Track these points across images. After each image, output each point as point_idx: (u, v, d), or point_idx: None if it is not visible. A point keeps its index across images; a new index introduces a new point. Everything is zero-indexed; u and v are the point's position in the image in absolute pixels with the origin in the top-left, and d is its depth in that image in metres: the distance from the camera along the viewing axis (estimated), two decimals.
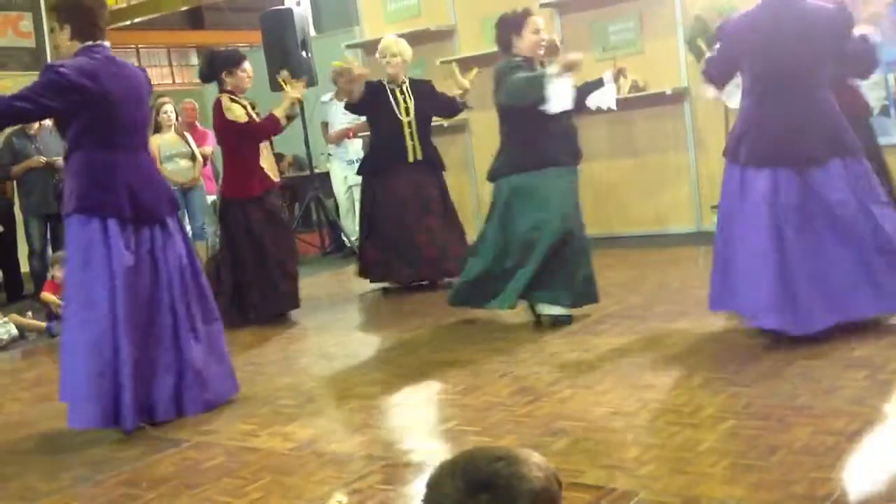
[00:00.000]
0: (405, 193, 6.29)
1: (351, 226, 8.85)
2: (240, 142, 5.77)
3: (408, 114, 6.31)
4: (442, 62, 8.24)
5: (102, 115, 3.75)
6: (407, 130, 6.36)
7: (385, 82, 6.35)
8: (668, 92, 7.22)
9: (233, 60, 5.81)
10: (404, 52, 6.38)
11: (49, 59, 11.05)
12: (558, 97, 4.49)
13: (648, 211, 7.67)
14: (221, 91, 5.82)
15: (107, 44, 3.90)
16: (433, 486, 1.44)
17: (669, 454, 2.84)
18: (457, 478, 1.41)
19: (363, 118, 8.49)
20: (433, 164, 6.48)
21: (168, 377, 3.84)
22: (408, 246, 6.24)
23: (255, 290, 5.77)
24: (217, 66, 5.81)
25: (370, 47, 8.74)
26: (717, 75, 4.24)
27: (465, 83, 6.27)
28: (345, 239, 8.80)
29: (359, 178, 8.75)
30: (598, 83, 5.06)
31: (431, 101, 6.43)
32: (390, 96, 6.25)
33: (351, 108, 6.48)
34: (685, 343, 4.13)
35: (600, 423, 3.19)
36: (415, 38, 8.19)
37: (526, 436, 3.15)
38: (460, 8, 8.35)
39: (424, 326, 5.20)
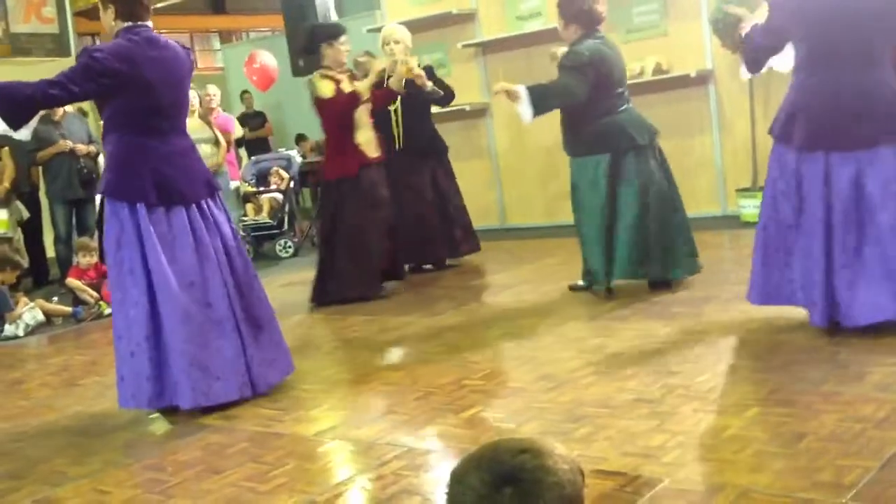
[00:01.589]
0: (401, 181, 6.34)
1: None
2: (330, 120, 5.79)
3: (394, 101, 6.33)
4: (464, 45, 8.21)
5: (136, 98, 3.72)
6: (393, 118, 6.44)
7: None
8: (693, 74, 7.14)
9: (332, 33, 5.82)
10: (406, 38, 6.34)
11: (72, 45, 11.14)
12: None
13: None
14: (319, 66, 5.84)
15: (149, 24, 3.85)
16: (457, 478, 1.43)
17: (694, 441, 2.83)
18: (481, 470, 1.40)
19: None
20: (424, 150, 6.49)
21: (235, 358, 3.80)
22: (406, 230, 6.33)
23: (340, 270, 5.81)
24: (318, 39, 5.81)
25: None
26: (762, 49, 3.94)
27: (406, 70, 5.85)
28: None
29: None
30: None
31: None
32: (384, 84, 6.16)
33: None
34: (710, 329, 4.10)
35: (624, 410, 3.18)
36: (436, 22, 8.19)
37: (549, 422, 3.15)
38: None
39: (447, 311, 5.20)
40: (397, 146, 6.41)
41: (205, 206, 3.90)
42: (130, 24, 3.79)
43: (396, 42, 6.25)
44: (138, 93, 3.71)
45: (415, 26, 8.25)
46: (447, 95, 6.39)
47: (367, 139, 5.86)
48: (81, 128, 8.02)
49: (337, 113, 5.71)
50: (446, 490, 1.44)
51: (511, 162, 8.37)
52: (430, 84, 6.07)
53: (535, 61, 7.90)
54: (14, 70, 9.27)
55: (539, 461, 1.40)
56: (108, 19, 3.83)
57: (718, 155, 7.35)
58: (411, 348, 4.54)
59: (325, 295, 5.84)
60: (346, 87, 5.73)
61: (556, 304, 5.01)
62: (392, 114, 6.39)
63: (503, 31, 8.10)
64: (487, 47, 8.27)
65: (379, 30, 8.77)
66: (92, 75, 3.64)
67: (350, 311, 5.63)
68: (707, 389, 3.29)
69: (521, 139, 8.15)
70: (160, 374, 3.72)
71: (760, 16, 4.05)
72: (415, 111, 6.41)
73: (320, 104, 5.73)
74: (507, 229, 8.27)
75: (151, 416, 3.83)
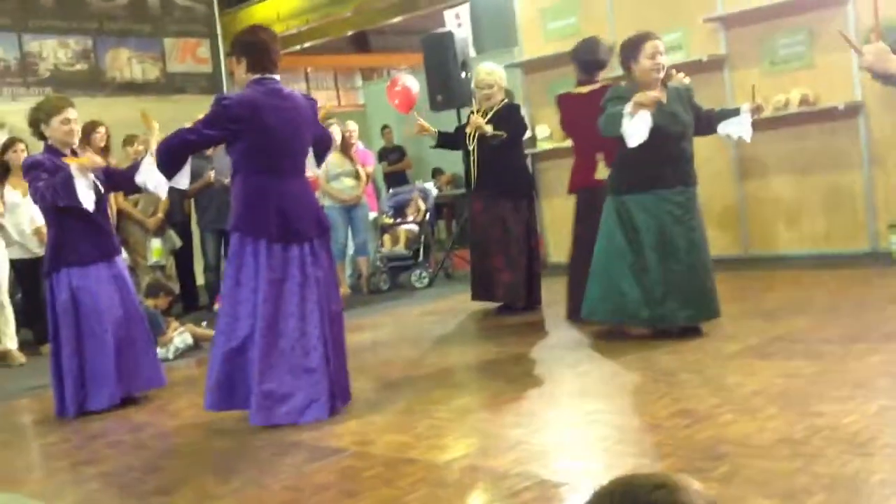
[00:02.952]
0: (473, 218, 6.63)
1: None
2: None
3: (472, 140, 6.47)
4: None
5: (258, 142, 4.13)
6: (471, 157, 6.59)
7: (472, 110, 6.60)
8: (841, 107, 6.89)
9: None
10: (500, 80, 6.50)
11: (224, 84, 11.72)
12: (632, 134, 4.66)
13: (818, 229, 7.33)
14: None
15: (276, 77, 4.26)
16: None
17: (840, 485, 2.70)
18: None
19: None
20: (500, 190, 6.45)
21: (322, 381, 4.14)
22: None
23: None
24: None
25: (529, 66, 8.79)
26: None
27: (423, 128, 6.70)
28: None
29: None
30: (735, 112, 5.10)
31: (506, 125, 6.39)
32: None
33: (439, 144, 6.90)
34: (858, 370, 3.92)
35: (765, 450, 3.06)
36: None
37: (685, 459, 3.07)
38: (620, 25, 8.24)
39: (583, 345, 5.15)
40: (473, 185, 6.64)
41: (315, 244, 4.25)
42: (259, 76, 4.21)
43: (490, 86, 6.45)
44: (260, 138, 4.12)
45: (551, 61, 8.32)
46: (511, 135, 6.40)
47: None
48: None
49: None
50: None
51: None
52: (489, 129, 6.31)
53: None
54: (170, 107, 9.84)
55: (674, 497, 1.35)
56: (241, 71, 4.26)
57: (868, 189, 7.04)
58: (546, 378, 4.52)
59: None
60: None
61: (693, 341, 4.89)
62: (471, 153, 6.59)
63: None
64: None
65: (518, 66, 8.91)
66: (221, 121, 4.10)
67: (488, 338, 5.65)
68: (855, 431, 3.13)
69: None
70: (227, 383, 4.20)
71: None
72: (494, 150, 6.41)
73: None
74: None
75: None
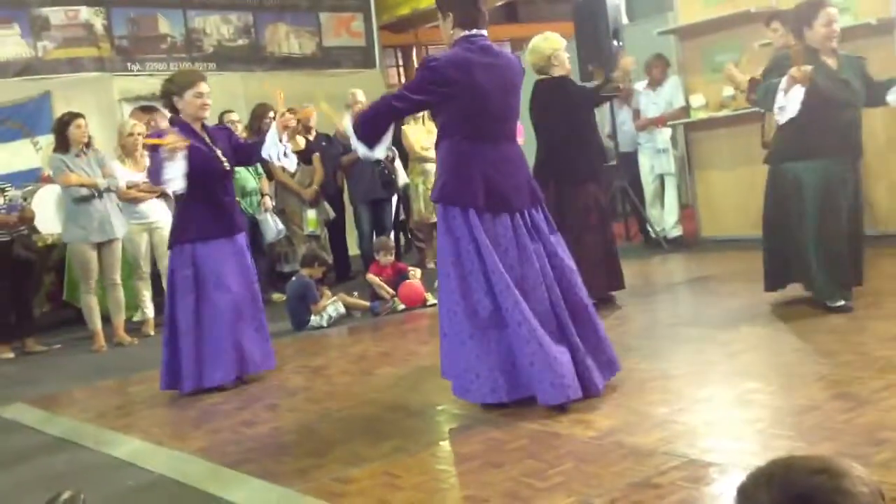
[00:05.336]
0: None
1: (657, 216, 8.71)
2: None
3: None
4: (761, 45, 7.83)
5: (470, 105, 3.82)
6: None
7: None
8: None
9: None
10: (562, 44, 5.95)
11: (377, 57, 11.91)
12: (783, 109, 4.58)
13: None
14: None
15: (484, 32, 3.93)
16: (745, 494, 1.36)
17: None
18: (772, 488, 1.31)
19: (672, 106, 8.36)
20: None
21: (564, 357, 3.73)
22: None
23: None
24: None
25: (684, 32, 8.52)
26: None
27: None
28: (650, 229, 8.68)
29: (668, 167, 8.66)
30: None
31: None
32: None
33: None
34: None
35: None
36: (733, 22, 7.88)
37: (844, 444, 2.93)
38: None
39: (731, 323, 5.00)
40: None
41: (527, 215, 3.91)
42: (468, 32, 3.89)
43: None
44: (472, 99, 3.80)
45: (709, 27, 8.03)
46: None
47: None
48: None
49: None
50: None
51: None
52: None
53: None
54: (324, 80, 10.10)
55: (836, 483, 1.29)
56: (447, 27, 3.94)
57: None
58: (693, 355, 4.41)
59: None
60: None
61: (856, 321, 4.66)
62: None
63: None
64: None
65: (672, 32, 8.65)
66: (431, 85, 3.82)
67: (629, 316, 5.57)
68: None
69: None
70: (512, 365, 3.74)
71: None
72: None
73: None
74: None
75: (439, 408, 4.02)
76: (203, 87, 4.89)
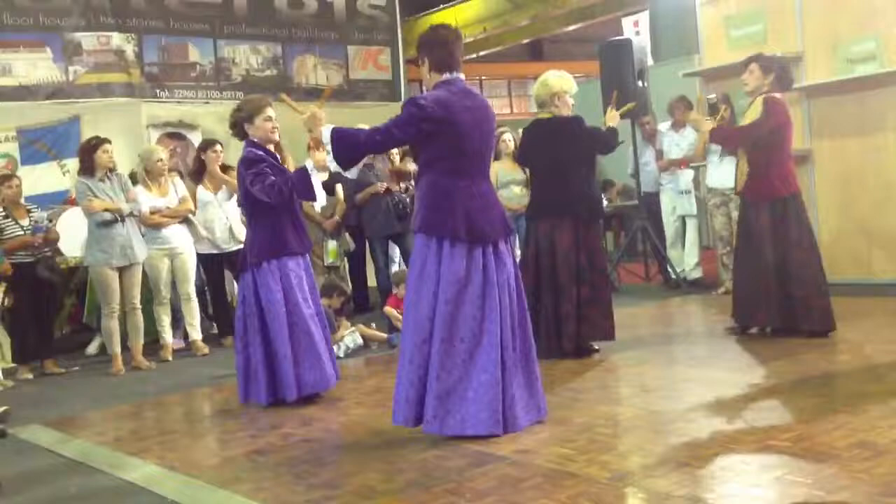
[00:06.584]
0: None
1: (678, 256, 8.69)
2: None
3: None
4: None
5: (450, 143, 4.08)
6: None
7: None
8: None
9: None
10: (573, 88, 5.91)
11: (402, 91, 12.00)
12: None
13: None
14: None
15: (461, 76, 4.22)
16: None
17: None
18: None
19: (695, 148, 8.34)
20: (567, 212, 5.74)
21: (493, 389, 3.97)
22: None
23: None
24: None
25: (709, 75, 8.54)
26: None
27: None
28: (670, 270, 8.66)
29: (690, 209, 8.65)
30: None
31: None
32: None
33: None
34: None
35: None
36: None
37: (862, 494, 2.90)
38: (809, 34, 7.91)
39: (748, 369, 4.96)
40: None
41: (500, 246, 4.16)
42: (446, 76, 4.16)
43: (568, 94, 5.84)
44: (455, 137, 4.06)
45: (734, 70, 8.04)
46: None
47: None
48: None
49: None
50: None
51: (833, 211, 7.84)
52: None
53: (868, 107, 7.40)
54: (350, 113, 10.16)
55: None
56: (425, 72, 4.22)
57: None
58: (711, 400, 4.38)
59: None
60: None
61: (881, 367, 4.62)
62: None
63: (831, 75, 7.66)
64: (813, 91, 7.85)
65: (697, 74, 8.68)
66: (416, 121, 4.05)
67: (647, 359, 5.54)
68: None
69: (847, 186, 7.62)
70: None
71: None
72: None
73: None
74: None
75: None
76: (270, 111, 5.12)
